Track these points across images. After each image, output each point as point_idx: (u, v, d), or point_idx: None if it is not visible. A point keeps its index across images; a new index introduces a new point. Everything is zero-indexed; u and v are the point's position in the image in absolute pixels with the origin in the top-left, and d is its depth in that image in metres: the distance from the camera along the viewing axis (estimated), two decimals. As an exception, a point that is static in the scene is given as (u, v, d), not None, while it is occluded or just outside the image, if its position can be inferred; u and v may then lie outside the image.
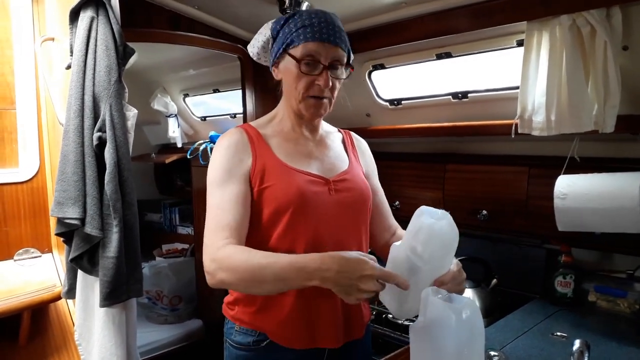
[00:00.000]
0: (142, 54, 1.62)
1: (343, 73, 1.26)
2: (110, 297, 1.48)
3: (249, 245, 1.18)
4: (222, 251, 1.12)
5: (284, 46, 1.24)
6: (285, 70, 1.26)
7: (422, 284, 1.04)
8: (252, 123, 1.36)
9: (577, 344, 1.01)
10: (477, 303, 1.90)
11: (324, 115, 1.31)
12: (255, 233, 1.24)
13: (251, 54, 1.38)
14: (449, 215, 1.06)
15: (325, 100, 1.25)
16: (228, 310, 1.36)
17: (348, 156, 1.40)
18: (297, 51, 1.21)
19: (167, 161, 3.33)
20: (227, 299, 1.38)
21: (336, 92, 1.27)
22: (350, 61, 1.30)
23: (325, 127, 1.44)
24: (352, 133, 1.50)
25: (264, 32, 1.31)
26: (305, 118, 1.30)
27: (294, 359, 1.28)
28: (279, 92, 1.35)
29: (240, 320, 1.31)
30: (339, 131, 1.48)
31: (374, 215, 1.43)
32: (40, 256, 2.18)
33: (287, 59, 1.24)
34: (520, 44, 1.65)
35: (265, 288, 1.11)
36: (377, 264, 1.01)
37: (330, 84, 1.22)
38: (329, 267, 1.00)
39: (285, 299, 1.24)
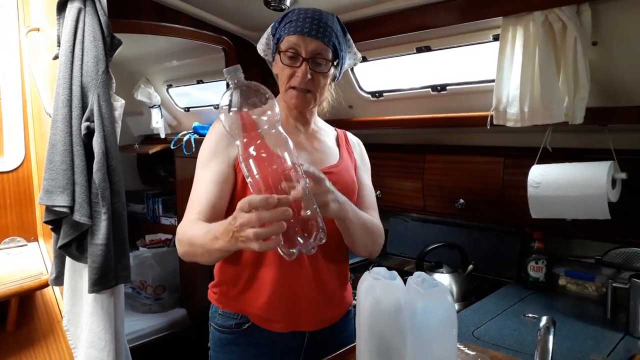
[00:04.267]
0: (126, 45, 1.64)
1: (326, 68, 1.27)
2: (99, 283, 1.52)
3: None
4: (181, 225, 1.19)
5: (275, 42, 1.30)
6: (276, 64, 1.31)
7: None
8: None
9: (543, 320, 1.07)
10: (454, 288, 1.99)
11: (310, 108, 1.34)
12: None
13: (259, 51, 1.42)
14: None
15: (309, 95, 1.28)
16: (212, 294, 1.40)
17: (340, 152, 1.43)
18: (282, 45, 1.26)
19: (150, 152, 3.33)
20: (212, 283, 1.42)
21: (321, 87, 1.29)
22: (341, 62, 1.32)
23: (320, 123, 1.46)
24: (348, 132, 1.52)
25: (268, 30, 1.36)
26: (291, 108, 1.33)
27: (275, 341, 1.32)
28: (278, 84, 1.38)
29: (223, 304, 1.36)
30: (335, 130, 1.51)
31: None
32: (26, 245, 2.18)
33: (277, 52, 1.29)
34: (496, 38, 1.70)
35: (201, 257, 1.15)
36: None
37: (310, 76, 1.24)
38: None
39: (265, 282, 1.28)
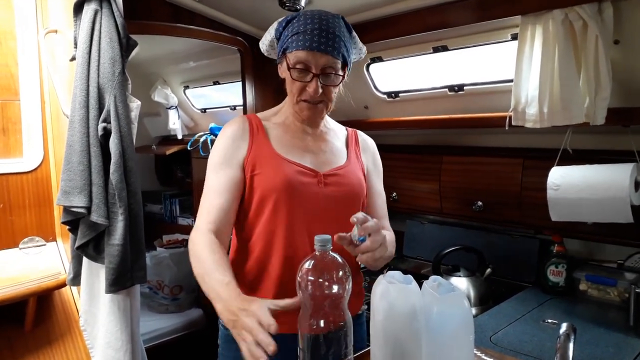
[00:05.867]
0: (143, 46, 1.65)
1: (336, 80, 1.28)
2: (116, 284, 1.52)
3: (238, 231, 1.31)
4: (198, 237, 1.22)
5: (282, 50, 1.28)
6: (283, 72, 1.32)
7: None
8: (258, 114, 1.41)
9: (563, 327, 1.05)
10: (472, 292, 1.95)
11: (322, 117, 1.37)
12: (244, 219, 1.32)
13: (262, 50, 1.43)
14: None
15: (321, 105, 1.30)
16: None
17: (348, 153, 1.43)
18: (290, 57, 1.25)
19: (167, 152, 3.35)
20: None
21: (333, 95, 1.31)
22: (348, 66, 1.31)
23: (330, 123, 1.47)
24: (359, 132, 1.52)
25: (270, 32, 1.35)
26: (304, 119, 1.35)
27: (279, 341, 1.31)
28: (284, 87, 1.38)
29: None
30: (346, 129, 1.51)
31: None
32: (44, 245, 2.21)
33: (284, 62, 1.29)
34: (514, 37, 1.68)
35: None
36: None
37: (321, 90, 1.25)
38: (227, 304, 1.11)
39: (270, 282, 1.30)
